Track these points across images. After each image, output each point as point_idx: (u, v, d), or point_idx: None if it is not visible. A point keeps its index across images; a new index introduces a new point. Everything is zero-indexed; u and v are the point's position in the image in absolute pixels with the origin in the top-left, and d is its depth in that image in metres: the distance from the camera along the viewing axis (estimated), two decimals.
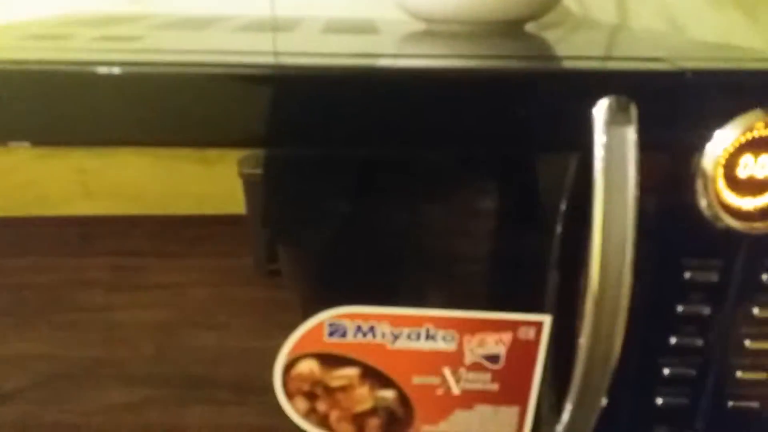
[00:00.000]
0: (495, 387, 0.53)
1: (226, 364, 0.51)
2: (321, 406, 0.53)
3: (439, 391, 0.53)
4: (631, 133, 0.45)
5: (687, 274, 0.50)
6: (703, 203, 0.48)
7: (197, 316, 0.48)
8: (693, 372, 0.53)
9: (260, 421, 0.54)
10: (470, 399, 0.53)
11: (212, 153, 0.45)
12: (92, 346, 0.48)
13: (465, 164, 0.49)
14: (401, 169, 0.49)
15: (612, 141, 0.45)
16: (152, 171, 0.45)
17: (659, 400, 0.55)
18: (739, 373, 0.54)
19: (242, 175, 0.46)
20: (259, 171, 0.46)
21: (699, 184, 0.48)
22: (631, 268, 0.46)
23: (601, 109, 0.45)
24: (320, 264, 0.52)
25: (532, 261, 0.52)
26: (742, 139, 0.46)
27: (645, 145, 0.45)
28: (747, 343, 0.52)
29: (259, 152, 0.46)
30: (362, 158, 0.48)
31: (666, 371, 0.53)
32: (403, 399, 0.53)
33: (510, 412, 0.54)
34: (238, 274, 0.48)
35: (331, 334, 0.51)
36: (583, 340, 0.47)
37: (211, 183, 0.46)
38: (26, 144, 0.43)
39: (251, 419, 0.53)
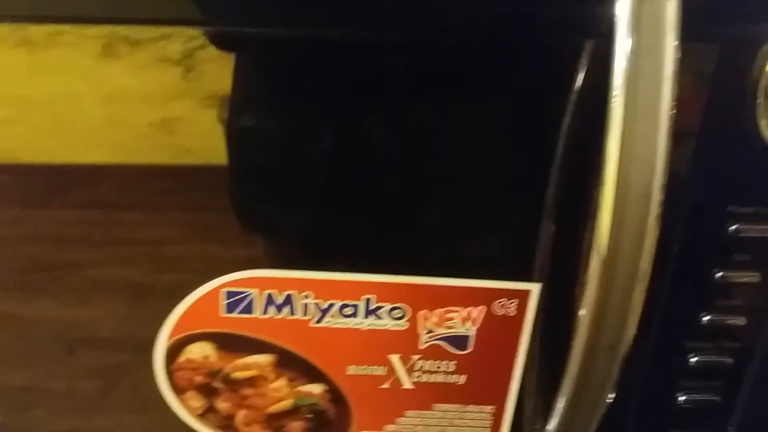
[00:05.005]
0: (461, 380, 0.41)
1: None
2: (222, 404, 0.40)
3: (385, 386, 0.41)
4: (671, 11, 0.30)
5: (733, 227, 0.37)
6: (764, 123, 0.34)
7: (173, 275, 0.40)
8: (729, 360, 0.41)
9: None
10: (427, 396, 0.41)
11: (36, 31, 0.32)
12: (60, 307, 0.41)
13: (425, 58, 0.34)
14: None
15: (642, 20, 0.30)
16: None
17: (682, 397, 0.42)
18: None
19: (223, 122, 0.35)
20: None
21: (760, 95, 0.33)
22: (657, 216, 0.32)
23: None
24: None
25: (518, 205, 0.38)
26: None
27: (687, 35, 0.31)
28: None
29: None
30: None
31: (693, 359, 0.41)
32: (336, 396, 0.41)
33: (481, 414, 0.42)
34: (219, 230, 0.39)
35: (230, 307, 0.37)
36: (585, 315, 0.34)
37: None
38: None
39: None
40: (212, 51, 0.32)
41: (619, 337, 0.35)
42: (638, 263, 0.33)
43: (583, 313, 0.34)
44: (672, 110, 0.31)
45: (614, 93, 0.30)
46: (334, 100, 0.36)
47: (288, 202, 0.38)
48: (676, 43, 0.30)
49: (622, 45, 0.30)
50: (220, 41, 0.33)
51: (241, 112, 0.35)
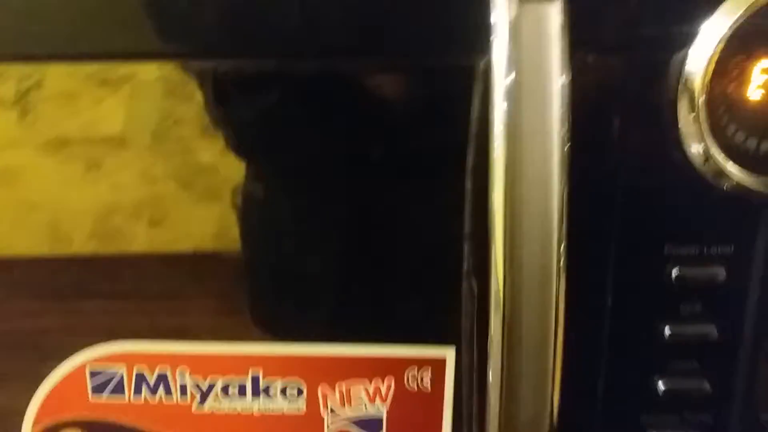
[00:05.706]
0: None
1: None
2: None
3: None
4: (555, 16, 0.26)
5: (674, 271, 0.31)
6: (693, 148, 0.28)
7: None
8: None
9: None
10: None
11: None
12: None
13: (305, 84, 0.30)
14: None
15: (523, 28, 0.26)
16: None
17: None
18: None
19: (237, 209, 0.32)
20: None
21: (683, 115, 0.28)
22: (560, 260, 0.27)
23: None
24: None
25: (427, 253, 0.32)
26: (748, 29, 0.27)
27: (582, 42, 0.27)
28: None
29: None
30: None
31: None
32: None
33: None
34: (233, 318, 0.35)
35: (97, 389, 0.32)
36: (493, 384, 0.28)
37: None
38: None
39: None
40: (48, 90, 0.29)
41: (539, 410, 0.29)
42: (546, 319, 0.27)
43: (491, 381, 0.29)
44: (567, 143, 0.26)
45: (495, 112, 0.26)
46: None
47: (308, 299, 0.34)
48: (565, 56, 0.26)
49: (502, 53, 0.26)
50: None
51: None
